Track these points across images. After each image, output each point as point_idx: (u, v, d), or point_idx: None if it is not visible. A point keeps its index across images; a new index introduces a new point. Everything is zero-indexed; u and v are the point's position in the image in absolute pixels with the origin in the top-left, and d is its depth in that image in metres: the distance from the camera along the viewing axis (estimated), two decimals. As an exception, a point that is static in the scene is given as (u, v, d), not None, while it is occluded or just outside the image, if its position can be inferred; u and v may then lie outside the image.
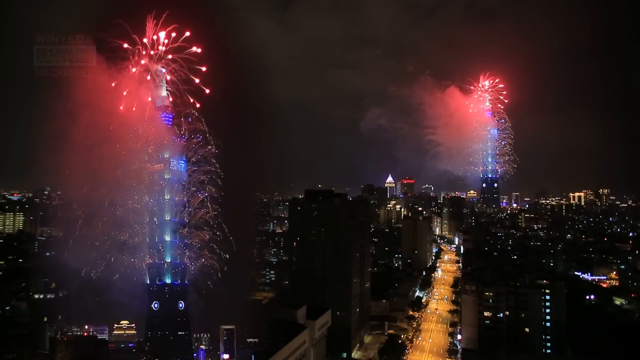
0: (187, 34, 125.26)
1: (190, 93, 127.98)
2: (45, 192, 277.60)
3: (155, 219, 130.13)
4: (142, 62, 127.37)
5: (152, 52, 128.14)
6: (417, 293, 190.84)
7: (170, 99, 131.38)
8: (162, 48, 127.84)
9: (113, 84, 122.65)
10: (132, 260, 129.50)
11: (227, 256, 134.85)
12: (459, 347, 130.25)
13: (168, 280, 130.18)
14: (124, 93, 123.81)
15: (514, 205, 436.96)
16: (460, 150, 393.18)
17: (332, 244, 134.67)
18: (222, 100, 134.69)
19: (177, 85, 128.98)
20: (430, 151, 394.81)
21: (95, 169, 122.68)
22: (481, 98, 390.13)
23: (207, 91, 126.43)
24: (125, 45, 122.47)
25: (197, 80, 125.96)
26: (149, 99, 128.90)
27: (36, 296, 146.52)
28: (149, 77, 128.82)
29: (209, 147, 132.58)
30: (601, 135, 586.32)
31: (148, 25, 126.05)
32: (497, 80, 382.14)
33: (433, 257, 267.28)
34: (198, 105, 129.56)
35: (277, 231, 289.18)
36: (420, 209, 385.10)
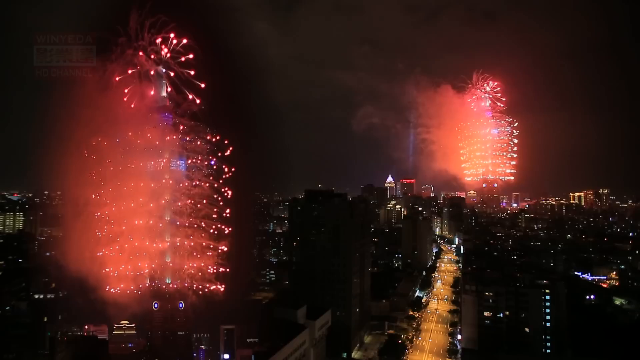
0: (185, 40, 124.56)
1: (189, 92, 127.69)
2: (45, 192, 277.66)
3: (154, 219, 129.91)
4: (142, 61, 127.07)
5: (152, 51, 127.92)
6: (417, 293, 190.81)
7: (169, 98, 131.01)
8: (162, 49, 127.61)
9: (113, 83, 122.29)
10: (132, 260, 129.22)
11: (227, 256, 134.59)
12: (459, 347, 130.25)
13: (168, 281, 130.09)
14: (124, 92, 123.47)
15: (514, 205, 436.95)
16: (457, 150, 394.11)
17: (332, 244, 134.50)
18: (222, 100, 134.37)
19: (177, 84, 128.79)
20: (425, 150, 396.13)
21: (92, 168, 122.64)
22: (481, 97, 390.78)
23: (202, 85, 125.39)
24: (125, 44, 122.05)
25: (192, 73, 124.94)
26: (150, 97, 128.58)
27: (36, 296, 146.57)
28: (152, 74, 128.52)
29: (209, 146, 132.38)
30: (601, 135, 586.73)
31: (132, 20, 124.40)
32: (495, 82, 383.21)
33: (433, 257, 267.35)
34: (198, 101, 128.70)
35: (277, 231, 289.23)
36: (420, 209, 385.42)
